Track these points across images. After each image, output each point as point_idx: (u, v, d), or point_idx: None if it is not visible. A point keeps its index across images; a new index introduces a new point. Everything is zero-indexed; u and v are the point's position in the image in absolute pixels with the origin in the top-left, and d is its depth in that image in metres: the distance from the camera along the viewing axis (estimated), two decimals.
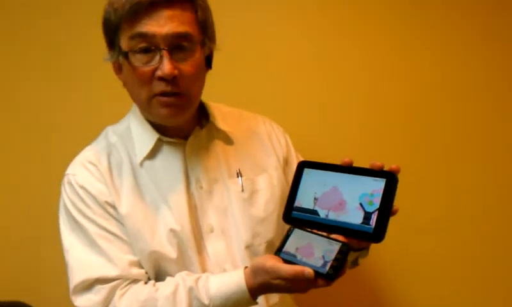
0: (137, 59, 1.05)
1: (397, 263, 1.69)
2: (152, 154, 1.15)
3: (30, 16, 1.62)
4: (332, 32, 1.63)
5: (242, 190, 1.19)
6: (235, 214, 1.17)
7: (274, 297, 1.19)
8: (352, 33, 1.64)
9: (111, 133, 1.20)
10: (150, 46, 1.04)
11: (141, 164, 1.15)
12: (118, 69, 1.13)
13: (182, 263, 1.12)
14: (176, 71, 1.04)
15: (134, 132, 1.17)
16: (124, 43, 1.06)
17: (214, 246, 1.15)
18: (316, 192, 1.02)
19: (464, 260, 1.69)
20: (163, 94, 1.06)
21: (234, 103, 1.32)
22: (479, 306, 1.69)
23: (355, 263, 1.22)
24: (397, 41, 1.64)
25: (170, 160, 1.16)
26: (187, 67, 1.07)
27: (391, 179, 0.94)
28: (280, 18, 1.62)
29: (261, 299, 1.14)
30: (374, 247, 1.14)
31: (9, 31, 1.62)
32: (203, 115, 1.22)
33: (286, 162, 1.26)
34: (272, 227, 1.19)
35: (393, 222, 0.95)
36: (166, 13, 1.03)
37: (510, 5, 1.65)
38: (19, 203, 1.65)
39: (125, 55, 1.06)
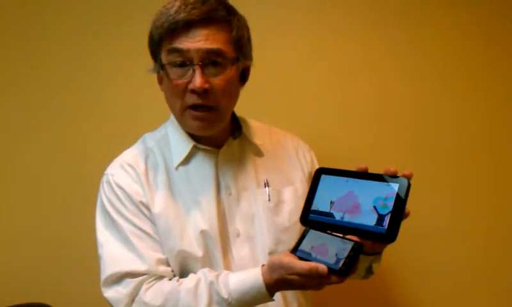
0: (173, 72, 1.15)
1: (410, 269, 1.71)
2: (187, 160, 1.23)
3: (69, 17, 1.71)
4: (340, 40, 1.70)
5: (269, 200, 1.25)
6: (261, 221, 1.23)
7: (293, 303, 1.23)
8: (359, 40, 1.70)
9: (149, 139, 1.29)
10: (184, 61, 1.13)
11: (177, 168, 1.22)
12: (160, 80, 1.22)
13: (208, 264, 1.17)
14: (207, 85, 1.12)
15: (172, 139, 1.26)
16: (163, 57, 1.16)
17: (239, 250, 1.21)
18: (332, 196, 1.07)
19: (473, 264, 1.70)
20: (194, 107, 1.15)
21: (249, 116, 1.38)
22: None
23: (370, 271, 1.24)
24: (404, 47, 1.70)
25: (203, 167, 1.23)
26: (218, 82, 1.14)
27: (404, 184, 0.99)
28: (287, 27, 1.69)
29: (281, 304, 1.20)
30: (386, 254, 1.17)
31: (46, 30, 1.70)
32: (236, 127, 1.30)
33: (310, 176, 1.31)
34: (294, 236, 1.21)
35: (403, 227, 0.98)
36: (201, 32, 1.12)
37: (510, 5, 1.68)
38: (42, 207, 1.70)
39: (163, 67, 1.16)
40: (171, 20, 1.11)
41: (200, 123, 1.17)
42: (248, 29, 1.21)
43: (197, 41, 1.12)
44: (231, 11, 1.17)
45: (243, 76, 1.23)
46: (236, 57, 1.17)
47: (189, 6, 1.11)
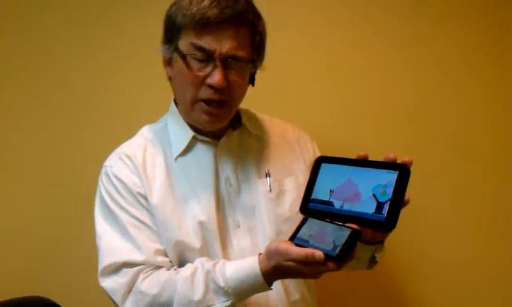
0: (194, 63, 1.13)
1: (411, 262, 1.71)
2: (186, 151, 1.22)
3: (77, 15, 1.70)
4: (341, 38, 1.70)
5: (270, 190, 1.23)
6: (262, 212, 1.22)
7: (295, 294, 1.21)
8: (358, 35, 1.70)
9: (148, 130, 1.28)
10: (207, 58, 1.12)
11: (176, 159, 1.22)
12: (168, 63, 1.21)
13: (206, 255, 1.16)
14: (225, 83, 1.12)
15: (171, 130, 1.25)
16: (184, 45, 1.13)
17: (240, 241, 1.20)
18: (332, 184, 1.06)
19: (475, 258, 1.70)
20: (207, 102, 1.14)
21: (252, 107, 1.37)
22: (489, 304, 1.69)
23: (373, 261, 1.22)
24: (404, 44, 1.70)
25: (202, 158, 1.22)
26: (235, 79, 1.14)
27: (403, 171, 0.97)
28: (286, 22, 1.68)
29: (282, 295, 1.18)
30: (388, 245, 1.15)
31: (45, 30, 1.69)
32: (236, 118, 1.28)
33: None
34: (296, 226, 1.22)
35: (405, 221, 0.98)
36: (229, 33, 1.11)
37: (510, 5, 1.68)
38: (40, 200, 1.69)
39: (183, 56, 1.13)
40: (203, 14, 1.08)
41: (209, 118, 1.17)
42: (266, 34, 1.20)
43: (224, 40, 1.10)
44: (257, 14, 1.16)
45: (251, 78, 1.22)
46: (253, 60, 1.17)
47: (223, 2, 1.09)
